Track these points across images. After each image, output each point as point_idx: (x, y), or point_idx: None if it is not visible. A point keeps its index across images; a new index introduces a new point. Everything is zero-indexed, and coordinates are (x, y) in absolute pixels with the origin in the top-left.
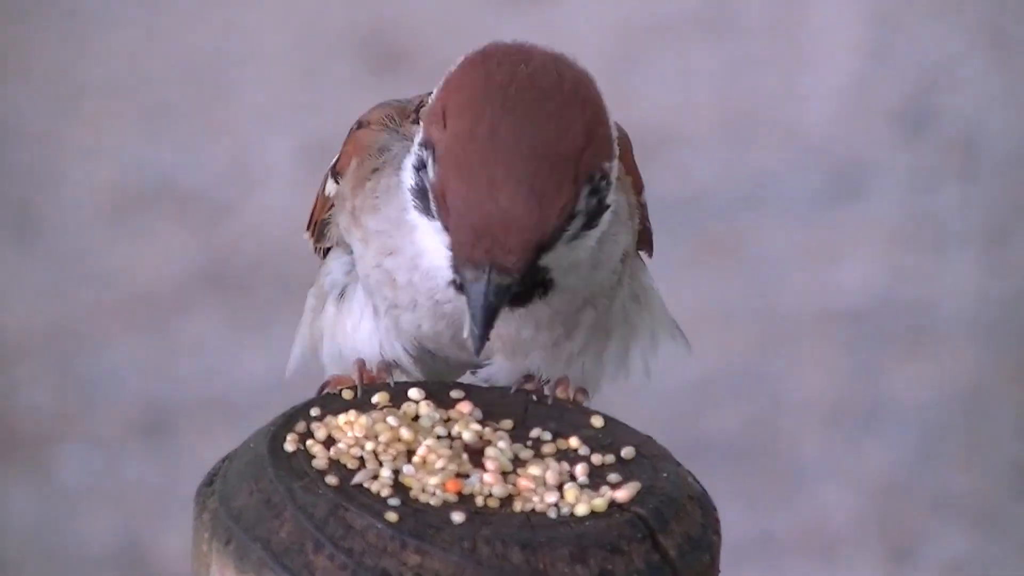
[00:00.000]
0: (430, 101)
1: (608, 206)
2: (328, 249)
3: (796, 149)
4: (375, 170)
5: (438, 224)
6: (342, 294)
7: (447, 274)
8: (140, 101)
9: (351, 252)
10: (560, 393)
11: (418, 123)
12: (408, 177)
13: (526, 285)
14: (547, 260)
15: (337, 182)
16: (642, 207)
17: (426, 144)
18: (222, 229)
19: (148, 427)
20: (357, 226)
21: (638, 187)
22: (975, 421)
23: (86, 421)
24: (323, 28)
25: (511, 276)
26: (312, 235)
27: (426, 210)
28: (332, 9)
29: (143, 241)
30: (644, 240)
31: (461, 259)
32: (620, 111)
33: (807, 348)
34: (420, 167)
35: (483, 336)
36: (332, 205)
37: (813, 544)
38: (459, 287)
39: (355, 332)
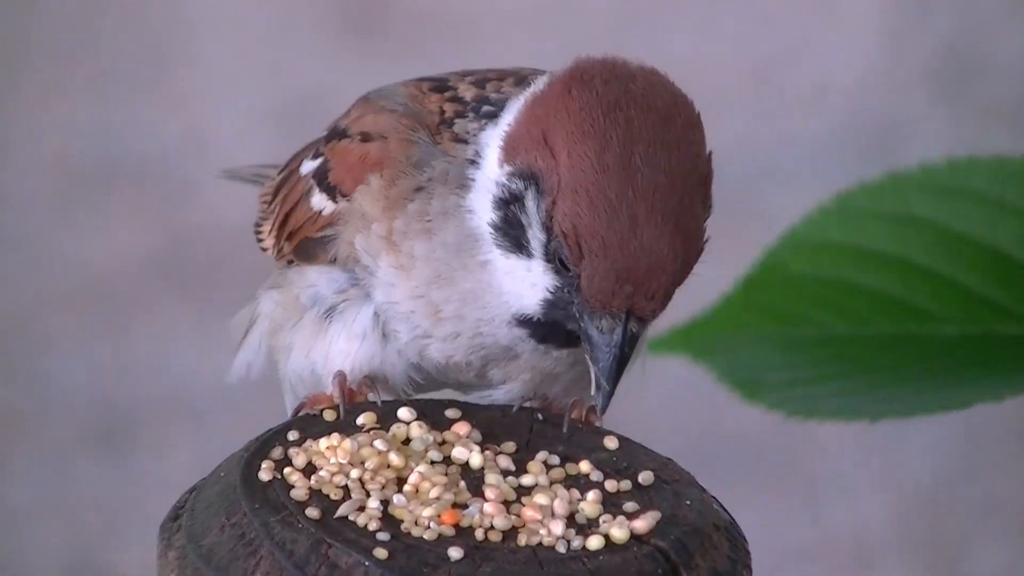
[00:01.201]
0: (509, 126)
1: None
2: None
3: (824, 112)
4: (418, 189)
5: (540, 263)
6: (329, 313)
7: (522, 312)
8: (89, 68)
9: (351, 271)
10: (575, 416)
11: (465, 142)
12: (487, 211)
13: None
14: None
15: (335, 199)
16: None
17: (524, 175)
18: (183, 210)
19: (103, 433)
20: (393, 251)
21: None
22: (1022, 419)
23: (34, 426)
24: None
25: (647, 322)
26: (278, 244)
27: (518, 248)
28: None
29: (95, 224)
30: None
31: (597, 307)
32: None
33: None
34: (513, 201)
35: (612, 392)
36: (330, 223)
37: (847, 557)
38: (556, 333)
39: (343, 356)
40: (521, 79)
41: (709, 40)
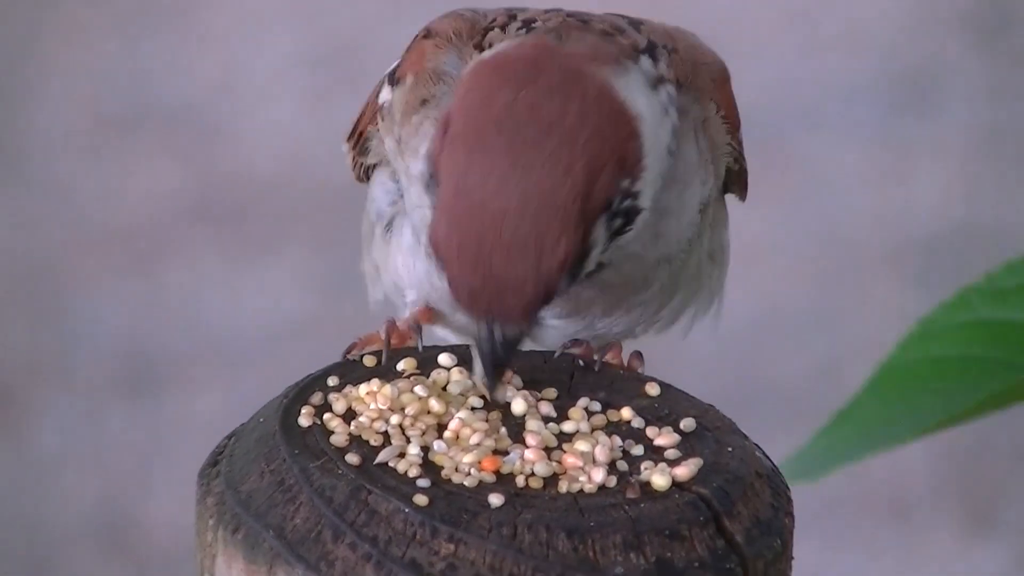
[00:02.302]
0: (460, 85)
1: (642, 209)
2: (372, 167)
3: (859, 56)
4: (424, 101)
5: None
6: (389, 226)
7: None
8: (120, 8)
9: (397, 179)
10: (612, 359)
11: (482, 49)
12: (423, 164)
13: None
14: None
15: (393, 87)
16: (737, 146)
17: (430, 161)
18: (214, 153)
19: (133, 379)
20: (403, 159)
21: (734, 124)
22: None
23: (63, 372)
24: None
25: (518, 328)
26: (353, 147)
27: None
28: None
29: (125, 167)
30: (737, 182)
31: (463, 310)
32: (662, 15)
33: (875, 282)
34: (430, 179)
35: (494, 384)
36: (383, 116)
37: (884, 507)
38: None
39: (407, 271)
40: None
41: None
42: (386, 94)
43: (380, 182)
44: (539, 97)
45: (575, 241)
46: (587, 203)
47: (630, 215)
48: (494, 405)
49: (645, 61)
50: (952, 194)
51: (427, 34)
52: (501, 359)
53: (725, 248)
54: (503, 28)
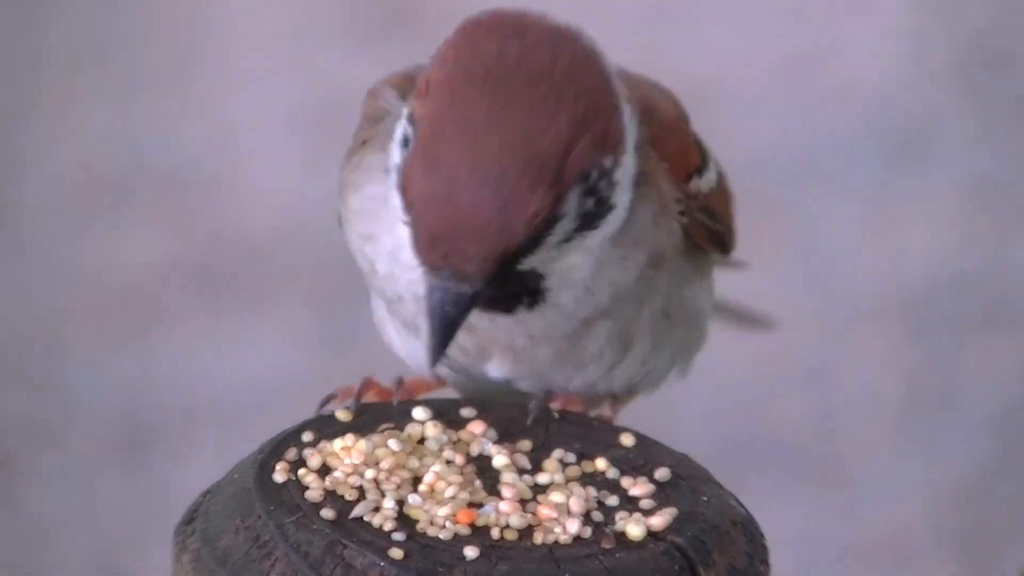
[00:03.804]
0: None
1: (613, 206)
2: None
3: (853, 108)
4: (364, 142)
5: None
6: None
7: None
8: (110, 72)
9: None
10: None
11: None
12: (395, 153)
13: (508, 292)
14: (531, 264)
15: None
16: (692, 198)
17: (410, 119)
18: (206, 215)
19: (127, 442)
20: (342, 204)
21: (679, 172)
22: None
23: (59, 437)
24: None
25: (473, 285)
26: None
27: None
28: None
29: (118, 232)
30: (704, 236)
31: (421, 262)
32: (658, 66)
33: (871, 333)
34: (404, 144)
35: (437, 349)
36: None
37: (882, 554)
38: None
39: (381, 327)
40: None
41: (739, 36)
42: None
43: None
44: (528, 48)
45: (548, 198)
46: (566, 160)
47: (602, 206)
48: (470, 458)
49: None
50: (947, 246)
51: (370, 92)
52: (450, 318)
53: (690, 307)
54: None
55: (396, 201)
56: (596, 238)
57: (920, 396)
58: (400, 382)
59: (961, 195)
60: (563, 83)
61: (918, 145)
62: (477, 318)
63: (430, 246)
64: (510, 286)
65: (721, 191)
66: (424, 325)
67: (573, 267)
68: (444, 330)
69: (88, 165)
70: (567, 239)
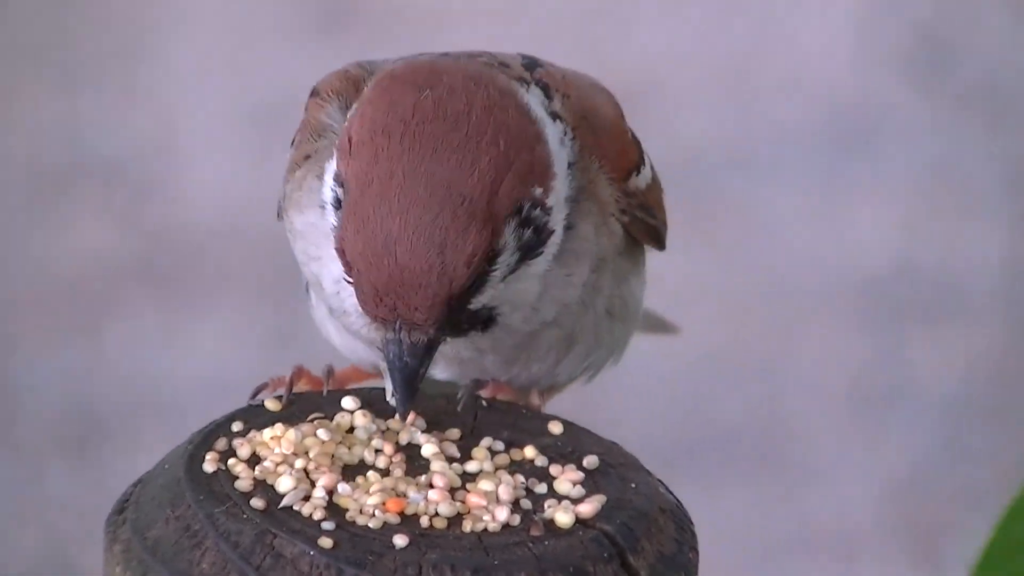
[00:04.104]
0: (352, 114)
1: (553, 230)
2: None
3: (797, 99)
4: (307, 157)
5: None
6: (308, 290)
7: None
8: (56, 66)
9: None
10: (490, 393)
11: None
12: (331, 215)
13: (460, 328)
14: (483, 300)
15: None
16: (631, 195)
17: (337, 179)
18: (151, 210)
19: (75, 437)
20: (286, 216)
21: (619, 172)
22: (1005, 403)
23: (6, 430)
24: None
25: (426, 332)
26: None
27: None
28: None
29: (64, 225)
30: (643, 233)
31: (371, 318)
32: (597, 61)
33: (816, 324)
34: (337, 205)
35: (404, 401)
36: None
37: (827, 544)
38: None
39: (322, 324)
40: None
41: (681, 31)
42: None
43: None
44: (443, 96)
45: (483, 236)
46: (495, 198)
47: (541, 234)
48: (399, 447)
49: (536, 90)
50: (891, 235)
51: (313, 92)
52: (411, 369)
53: (629, 302)
54: None
55: (338, 264)
56: (540, 264)
57: (866, 387)
58: (330, 371)
59: (907, 185)
60: (481, 123)
61: (864, 136)
62: None
63: (376, 302)
64: (464, 323)
65: (656, 186)
66: (386, 371)
67: (521, 293)
68: (407, 382)
69: (34, 157)
70: (512, 271)
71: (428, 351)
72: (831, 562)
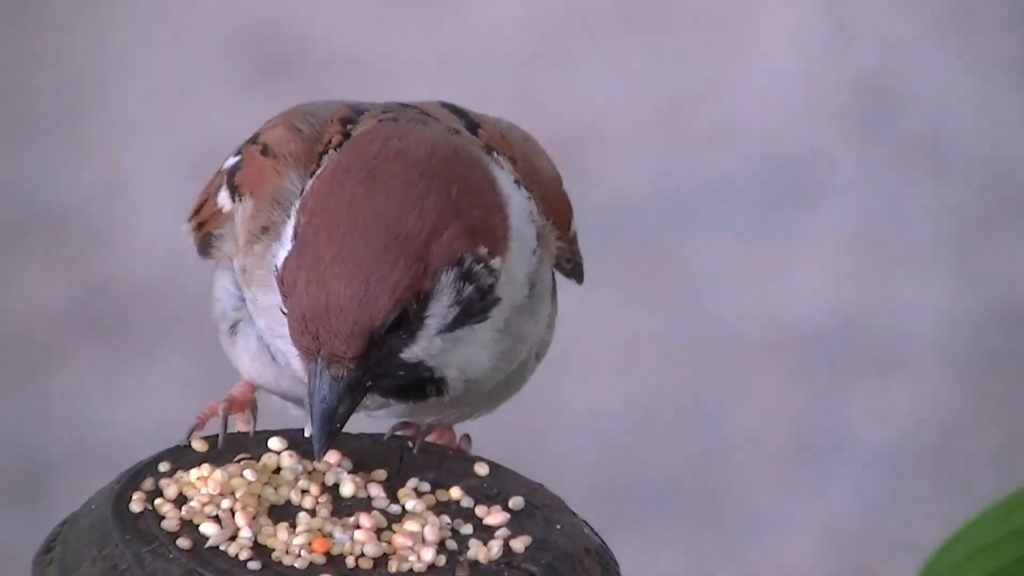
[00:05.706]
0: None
1: (498, 299)
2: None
3: (738, 150)
4: (265, 229)
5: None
6: (234, 329)
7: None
8: (1, 117)
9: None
10: (437, 439)
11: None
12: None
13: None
14: (415, 353)
15: (234, 198)
16: (572, 242)
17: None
18: (95, 259)
19: (19, 483)
20: (248, 287)
21: (563, 226)
22: (946, 454)
23: None
24: (199, 32)
25: (345, 366)
26: (194, 230)
27: None
28: (208, 12)
29: (9, 274)
30: (573, 272)
31: (298, 349)
32: (537, 110)
33: (757, 376)
34: (294, 236)
35: (320, 439)
36: (223, 222)
37: None
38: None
39: (256, 374)
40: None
41: (621, 81)
42: (224, 199)
43: (222, 286)
44: (409, 145)
45: (411, 272)
46: (434, 240)
47: (485, 297)
48: (325, 487)
49: (506, 163)
50: (832, 287)
51: (264, 150)
52: (329, 405)
53: (548, 343)
54: (337, 148)
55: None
56: (486, 330)
57: (805, 437)
58: (229, 401)
59: (847, 236)
60: (438, 170)
61: (804, 186)
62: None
63: (302, 329)
64: (401, 376)
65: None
66: (307, 407)
67: (469, 359)
68: (325, 419)
69: None
70: (450, 328)
71: (349, 390)
72: None
